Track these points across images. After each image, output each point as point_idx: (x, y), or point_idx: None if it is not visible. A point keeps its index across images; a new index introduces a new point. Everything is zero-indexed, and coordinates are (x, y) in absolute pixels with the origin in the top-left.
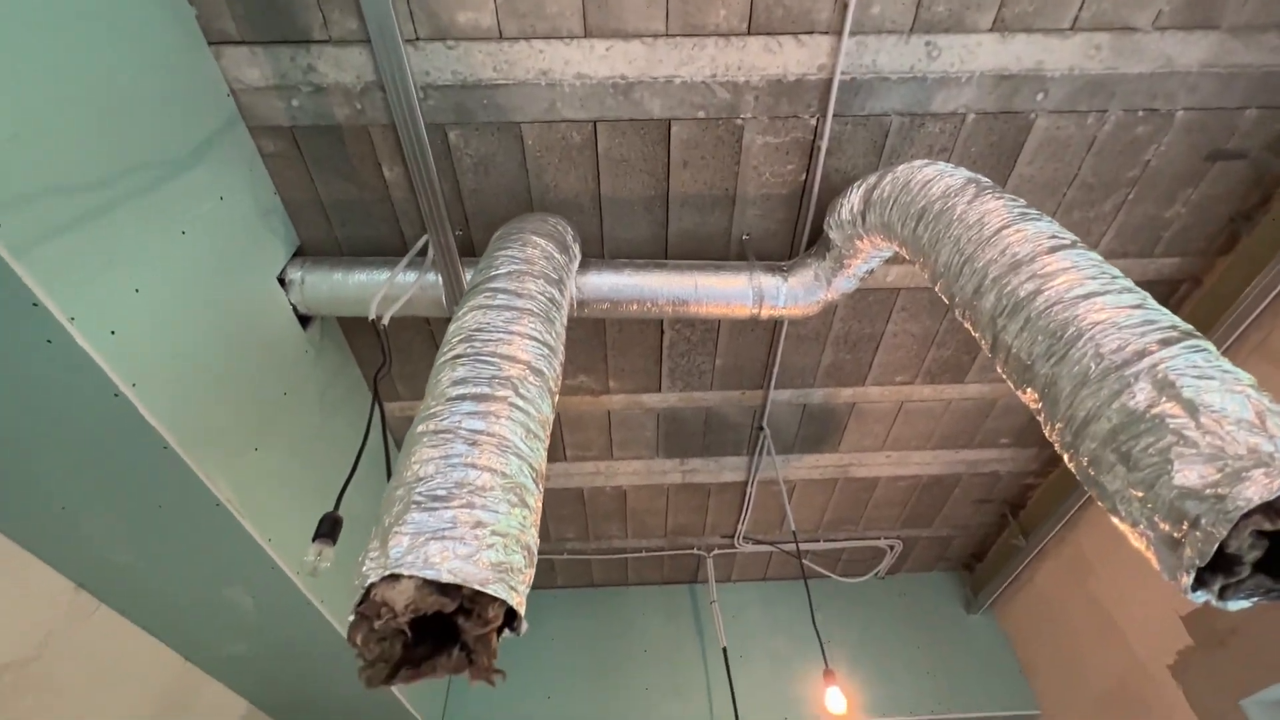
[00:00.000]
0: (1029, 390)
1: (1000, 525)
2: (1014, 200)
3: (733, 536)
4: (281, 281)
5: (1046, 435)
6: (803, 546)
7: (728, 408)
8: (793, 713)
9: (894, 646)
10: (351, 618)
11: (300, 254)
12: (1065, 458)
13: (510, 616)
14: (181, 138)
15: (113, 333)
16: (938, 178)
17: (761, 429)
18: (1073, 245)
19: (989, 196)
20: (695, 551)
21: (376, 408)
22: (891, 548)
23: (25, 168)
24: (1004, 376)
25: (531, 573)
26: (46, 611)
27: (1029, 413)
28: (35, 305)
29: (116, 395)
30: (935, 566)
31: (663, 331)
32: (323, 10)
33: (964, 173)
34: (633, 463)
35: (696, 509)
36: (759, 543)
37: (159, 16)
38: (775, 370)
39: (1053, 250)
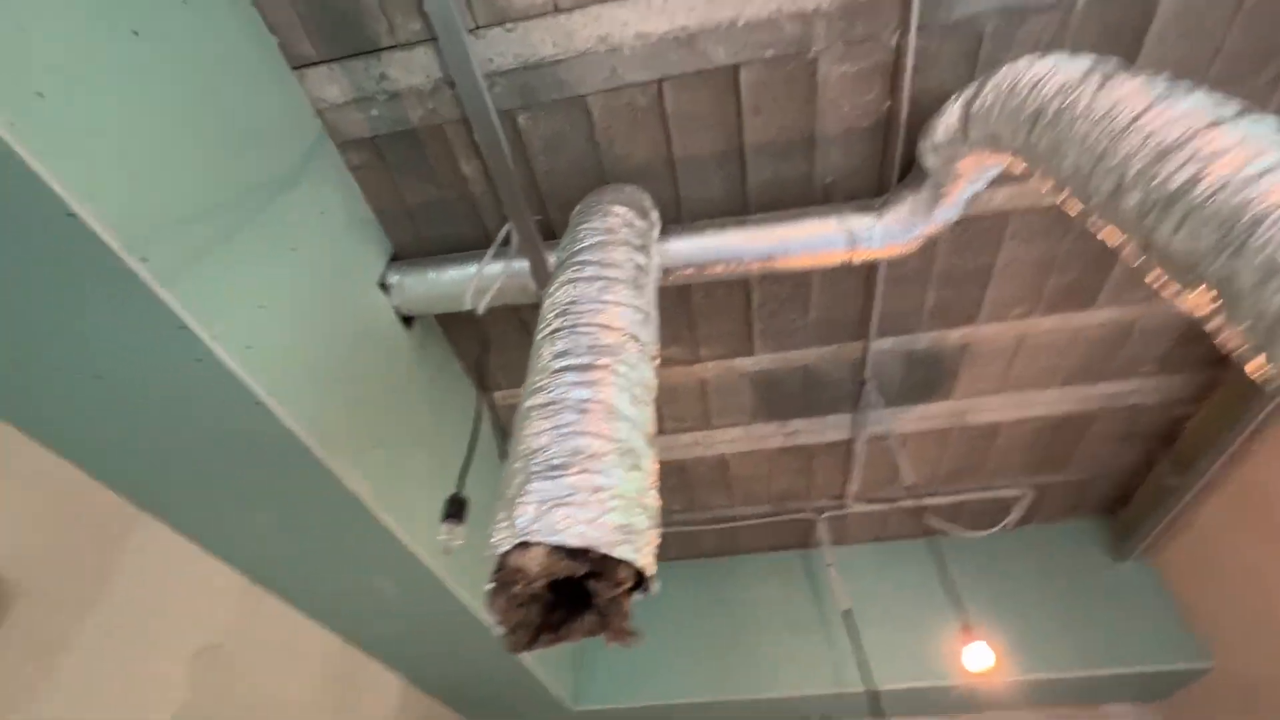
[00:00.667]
0: (1197, 293)
1: (1147, 463)
2: (1153, 76)
3: (842, 497)
4: (383, 287)
5: (1223, 342)
6: (921, 502)
7: (825, 363)
8: (927, 673)
9: (1034, 601)
10: (489, 586)
11: (395, 259)
12: (1250, 366)
13: (641, 578)
14: (281, 161)
15: (249, 348)
16: (1050, 73)
17: (864, 382)
18: (1239, 115)
19: (1121, 80)
20: (806, 515)
21: (482, 393)
22: (1021, 497)
23: (161, 204)
24: (1158, 283)
25: (656, 534)
26: (226, 602)
27: (1175, 334)
28: (182, 328)
29: (258, 404)
30: (1073, 514)
31: (749, 291)
32: (387, 15)
33: (1082, 61)
34: (731, 430)
35: (800, 471)
36: (872, 501)
37: (248, 50)
38: (875, 318)
39: (1213, 125)
